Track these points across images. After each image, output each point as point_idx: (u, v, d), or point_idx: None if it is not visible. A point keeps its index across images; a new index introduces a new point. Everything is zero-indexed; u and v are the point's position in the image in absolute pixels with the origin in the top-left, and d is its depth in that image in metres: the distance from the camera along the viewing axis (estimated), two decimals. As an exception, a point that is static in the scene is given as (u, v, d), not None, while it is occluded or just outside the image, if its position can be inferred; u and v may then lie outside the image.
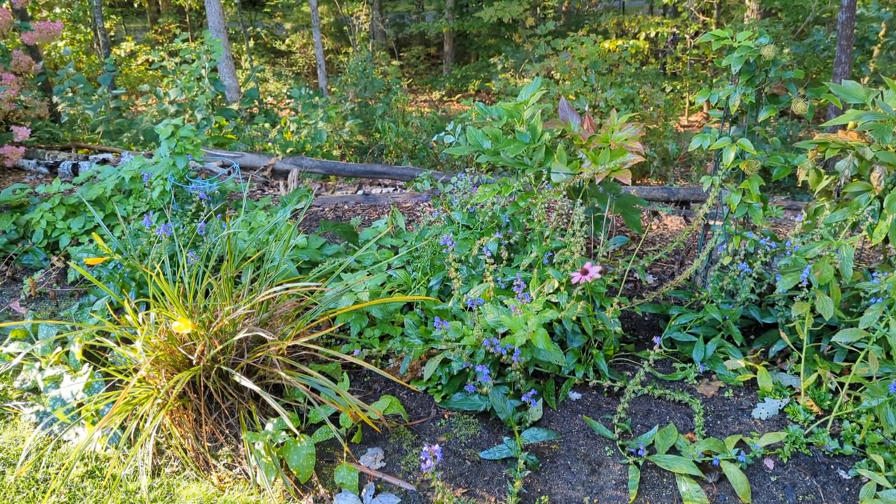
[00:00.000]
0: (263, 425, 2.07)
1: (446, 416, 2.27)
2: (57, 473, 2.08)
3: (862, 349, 2.15)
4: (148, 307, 2.50)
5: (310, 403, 2.21)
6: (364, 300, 2.42)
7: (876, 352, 2.08)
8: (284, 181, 5.25)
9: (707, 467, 1.99)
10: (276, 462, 1.96)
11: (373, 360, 2.48)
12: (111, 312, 2.71)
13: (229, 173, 4.84)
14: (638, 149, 2.60)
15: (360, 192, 4.97)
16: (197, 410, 2.16)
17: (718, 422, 2.22)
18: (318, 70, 10.58)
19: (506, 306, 2.23)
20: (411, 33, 15.03)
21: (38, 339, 2.57)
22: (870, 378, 2.15)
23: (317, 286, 2.37)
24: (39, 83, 6.24)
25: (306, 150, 6.63)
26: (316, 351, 2.38)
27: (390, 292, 2.68)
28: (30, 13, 7.25)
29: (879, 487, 1.89)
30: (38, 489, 2.03)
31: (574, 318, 2.26)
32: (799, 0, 9.30)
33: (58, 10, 11.31)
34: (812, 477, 1.97)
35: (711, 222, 2.97)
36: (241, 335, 2.06)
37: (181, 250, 2.47)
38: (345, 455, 2.08)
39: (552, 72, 6.91)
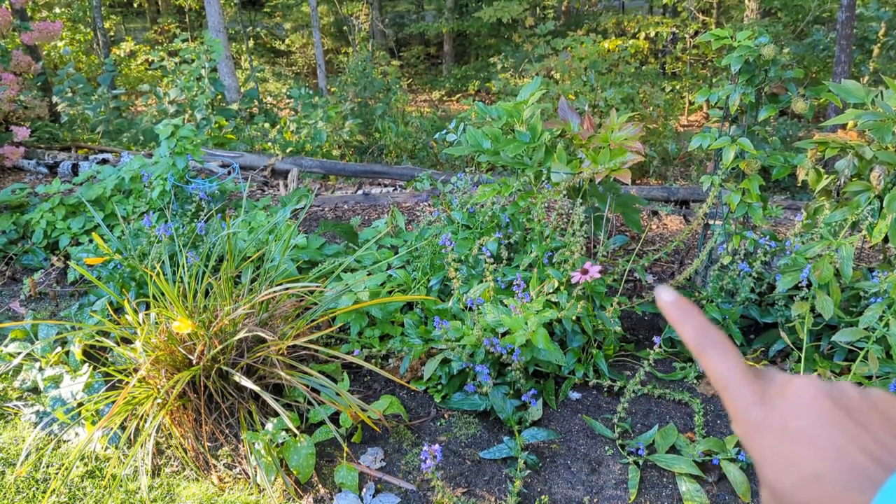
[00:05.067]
0: (263, 425, 2.07)
1: (446, 415, 2.27)
2: (57, 473, 2.08)
3: (862, 348, 2.15)
4: (148, 307, 2.50)
5: (310, 403, 2.21)
6: (364, 300, 2.42)
7: (876, 351, 2.08)
8: (284, 181, 5.25)
9: (707, 467, 1.99)
10: (276, 462, 1.96)
11: (373, 360, 2.48)
12: (111, 312, 2.71)
13: (229, 173, 4.84)
14: (638, 148, 2.60)
15: (359, 192, 4.97)
16: (197, 410, 2.16)
17: (718, 421, 2.22)
18: (317, 70, 10.58)
19: (506, 306, 2.23)
20: (411, 33, 15.03)
21: (38, 339, 2.57)
22: (869, 377, 2.15)
23: (317, 286, 2.37)
24: (39, 83, 6.24)
25: (306, 149, 6.63)
26: (316, 351, 2.38)
27: (390, 292, 2.68)
28: (29, 13, 7.24)
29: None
30: (38, 489, 2.03)
31: (574, 317, 2.26)
32: (798, 0, 9.31)
33: (57, 10, 11.31)
34: (812, 476, 1.97)
35: (711, 222, 2.97)
36: (241, 335, 2.06)
37: (181, 250, 2.47)
38: (345, 455, 2.08)
39: (552, 71, 6.91)
